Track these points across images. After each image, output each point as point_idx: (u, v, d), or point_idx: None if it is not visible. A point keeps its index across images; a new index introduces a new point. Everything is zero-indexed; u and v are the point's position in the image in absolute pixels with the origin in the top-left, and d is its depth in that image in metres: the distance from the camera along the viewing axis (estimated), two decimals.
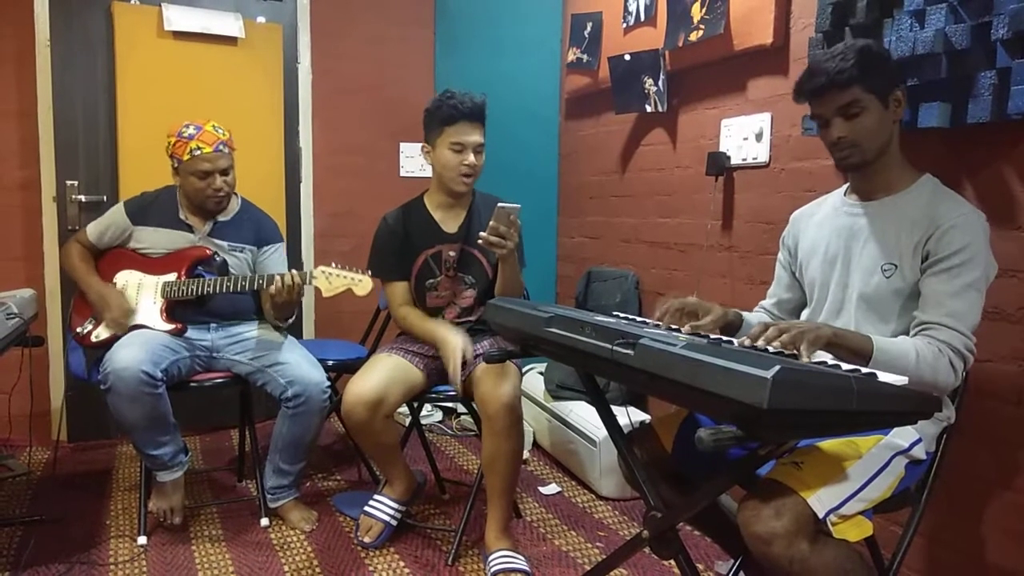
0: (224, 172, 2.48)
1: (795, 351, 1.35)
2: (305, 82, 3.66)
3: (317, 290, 2.34)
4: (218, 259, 2.52)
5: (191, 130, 2.44)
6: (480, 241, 2.17)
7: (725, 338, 1.50)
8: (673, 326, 1.66)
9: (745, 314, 1.91)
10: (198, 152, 2.42)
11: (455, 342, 2.23)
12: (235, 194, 2.63)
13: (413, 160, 3.84)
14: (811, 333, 1.40)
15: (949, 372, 1.50)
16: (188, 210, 2.56)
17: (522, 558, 2.25)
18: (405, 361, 2.36)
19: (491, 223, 2.13)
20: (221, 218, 2.58)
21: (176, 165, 2.47)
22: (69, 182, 3.26)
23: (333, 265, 2.33)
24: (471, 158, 2.31)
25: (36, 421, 2.98)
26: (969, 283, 1.52)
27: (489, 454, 2.21)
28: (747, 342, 1.39)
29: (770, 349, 1.35)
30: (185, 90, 3.29)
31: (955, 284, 1.52)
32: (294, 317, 2.54)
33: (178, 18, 3.28)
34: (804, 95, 1.68)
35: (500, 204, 2.12)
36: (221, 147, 2.46)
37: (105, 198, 3.27)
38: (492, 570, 2.22)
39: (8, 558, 2.28)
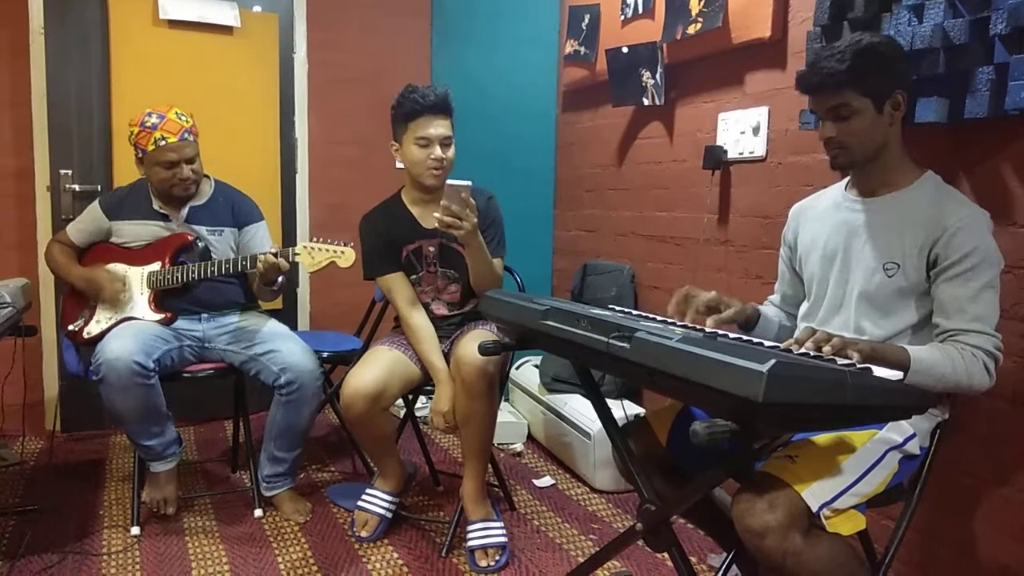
0: (190, 160, 2.44)
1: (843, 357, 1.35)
2: (301, 72, 3.64)
3: (312, 276, 2.31)
4: (199, 245, 2.51)
5: (154, 119, 2.39)
6: (437, 224, 2.15)
7: (720, 331, 1.50)
8: (679, 321, 1.66)
9: (762, 308, 1.92)
10: (163, 142, 2.38)
11: (445, 397, 2.24)
12: (207, 177, 2.61)
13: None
14: (855, 344, 1.41)
15: (984, 375, 1.51)
16: (160, 200, 2.54)
17: (498, 527, 2.31)
18: (403, 355, 2.37)
19: (442, 202, 2.09)
20: (196, 203, 2.55)
21: (140, 155, 2.44)
22: (63, 171, 3.24)
23: (315, 239, 2.31)
24: (438, 151, 2.29)
25: (29, 411, 2.97)
26: (985, 284, 1.53)
27: (463, 413, 2.22)
28: (795, 347, 1.38)
29: (811, 352, 1.35)
30: (180, 80, 3.27)
31: (972, 287, 1.52)
32: (281, 282, 2.49)
33: (173, 7, 3.26)
34: (801, 90, 1.68)
35: (449, 182, 2.09)
36: (186, 135, 2.42)
37: (99, 187, 3.25)
38: (469, 544, 2.27)
39: (2, 547, 2.28)
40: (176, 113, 2.43)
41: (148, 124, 2.39)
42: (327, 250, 2.28)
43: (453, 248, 2.37)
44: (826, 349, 1.36)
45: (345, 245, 2.29)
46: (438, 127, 2.28)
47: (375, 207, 2.46)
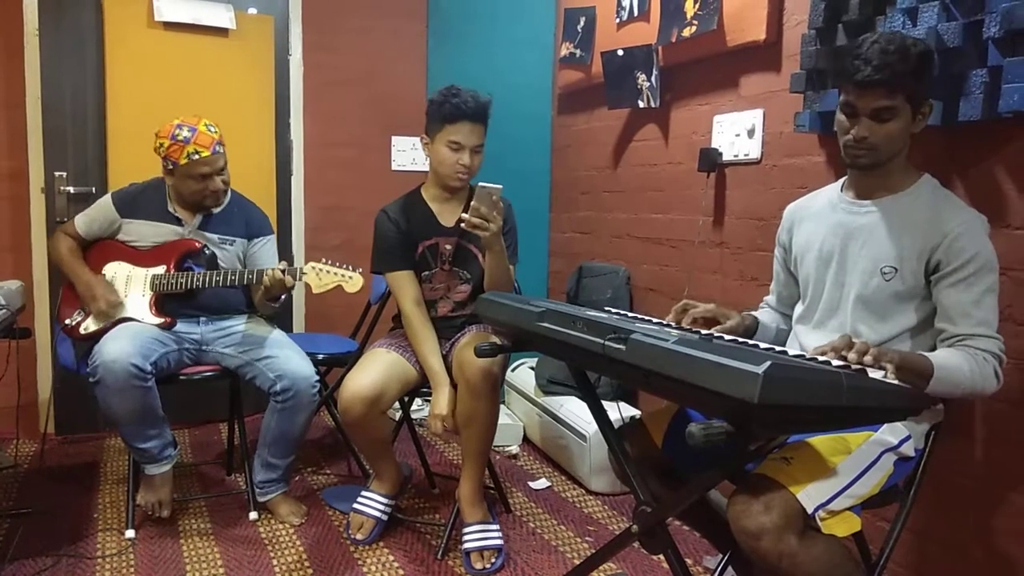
0: (221, 172, 2.47)
1: (880, 368, 1.32)
2: (296, 74, 3.64)
3: (307, 286, 2.32)
4: (207, 252, 2.51)
5: (185, 132, 2.39)
6: (462, 224, 2.15)
7: (716, 333, 1.50)
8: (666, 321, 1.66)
9: (759, 316, 1.92)
10: (196, 156, 2.39)
11: (443, 400, 2.24)
12: None
13: (405, 154, 3.83)
14: (886, 355, 1.38)
15: (993, 378, 1.52)
16: (177, 203, 2.54)
17: (494, 529, 2.32)
18: (401, 358, 2.37)
19: (472, 204, 2.10)
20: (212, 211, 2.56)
21: (171, 167, 2.43)
22: (57, 173, 3.24)
23: (323, 261, 2.31)
24: (467, 159, 2.30)
25: (23, 413, 2.95)
26: (987, 288, 1.54)
27: (464, 414, 2.22)
28: (831, 354, 1.34)
29: (854, 363, 1.32)
30: (175, 82, 3.27)
31: (974, 292, 1.53)
32: (283, 298, 2.51)
33: (169, 9, 3.26)
34: (848, 82, 1.57)
35: (481, 184, 2.09)
36: (218, 148, 2.43)
37: (94, 189, 3.25)
38: (465, 546, 2.27)
39: None
40: (206, 125, 2.43)
41: (180, 138, 2.38)
42: (335, 273, 2.29)
43: (468, 249, 2.39)
44: (867, 359, 1.32)
45: (353, 270, 2.30)
46: (473, 135, 2.29)
47: (394, 201, 2.46)
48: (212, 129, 2.44)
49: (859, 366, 1.28)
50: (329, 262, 2.31)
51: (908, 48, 1.52)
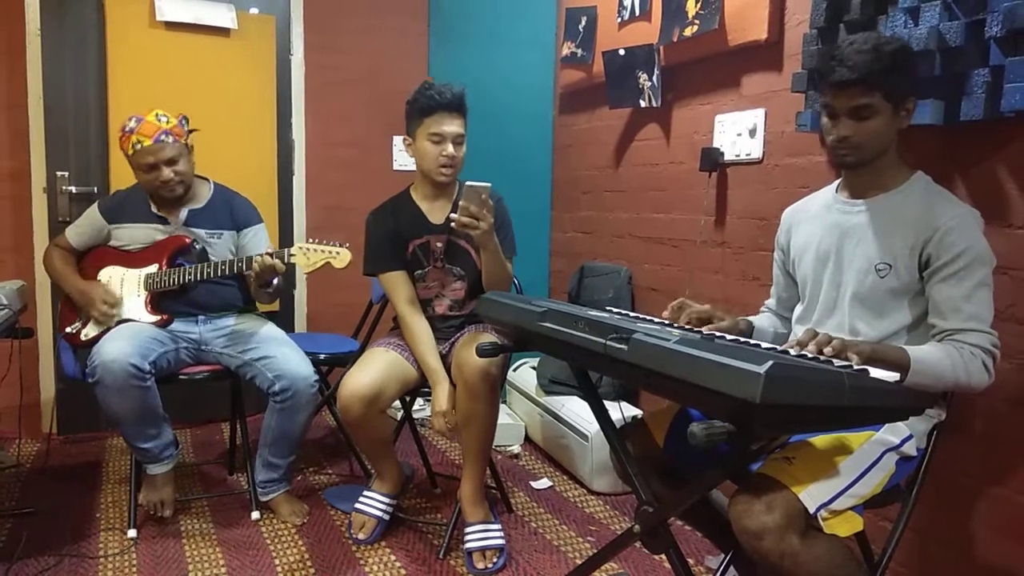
0: (171, 162, 2.41)
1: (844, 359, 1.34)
2: (298, 74, 3.64)
3: (310, 277, 2.31)
4: (197, 247, 2.51)
5: (132, 123, 2.40)
6: (452, 224, 2.15)
7: (718, 333, 1.50)
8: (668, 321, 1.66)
9: (756, 321, 1.92)
10: (139, 146, 2.38)
11: (443, 397, 2.25)
12: (206, 180, 2.62)
13: (407, 154, 3.83)
14: (855, 346, 1.40)
15: (983, 372, 1.52)
16: (157, 203, 2.54)
17: (496, 529, 2.32)
18: (400, 357, 2.37)
19: (461, 203, 2.11)
20: (194, 206, 2.55)
21: (128, 159, 2.45)
22: (59, 173, 3.24)
23: (310, 240, 2.31)
24: (450, 149, 2.30)
25: (25, 413, 2.96)
26: (978, 282, 1.53)
27: (464, 414, 2.22)
28: (796, 348, 1.37)
29: (812, 353, 1.34)
30: (177, 81, 3.27)
31: (965, 287, 1.53)
32: (277, 283, 2.47)
33: (170, 8, 3.26)
34: (825, 83, 1.61)
35: (469, 183, 2.09)
36: (163, 137, 2.39)
37: (96, 189, 3.25)
38: (467, 546, 2.27)
39: None
40: (156, 115, 2.41)
41: (127, 128, 2.40)
42: (322, 251, 2.28)
43: (460, 245, 2.38)
44: (827, 351, 1.35)
45: (340, 246, 2.29)
46: (452, 125, 2.29)
47: (384, 202, 2.47)
48: (163, 119, 2.41)
49: (862, 367, 1.29)
50: (315, 240, 2.30)
51: (881, 46, 1.54)
